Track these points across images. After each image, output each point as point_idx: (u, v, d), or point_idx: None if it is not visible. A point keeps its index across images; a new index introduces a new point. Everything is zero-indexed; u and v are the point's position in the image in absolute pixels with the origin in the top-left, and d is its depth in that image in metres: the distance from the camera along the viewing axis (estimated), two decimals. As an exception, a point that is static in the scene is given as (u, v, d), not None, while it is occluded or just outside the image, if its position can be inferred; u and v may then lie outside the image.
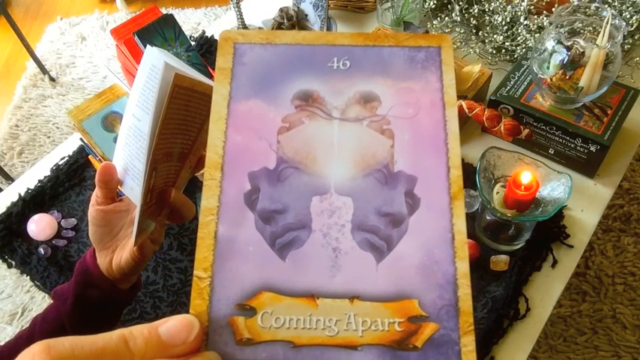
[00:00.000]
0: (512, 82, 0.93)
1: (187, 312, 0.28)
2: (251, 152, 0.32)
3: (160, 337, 0.25)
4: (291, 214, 0.31)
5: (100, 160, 0.79)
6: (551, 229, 0.83)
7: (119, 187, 0.54)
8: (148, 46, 0.50)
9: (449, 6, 1.14)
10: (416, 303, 0.29)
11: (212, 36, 1.17)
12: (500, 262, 0.80)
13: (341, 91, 0.33)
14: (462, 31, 1.12)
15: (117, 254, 0.56)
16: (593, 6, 0.86)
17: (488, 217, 0.81)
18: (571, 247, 0.82)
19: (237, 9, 1.12)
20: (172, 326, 0.26)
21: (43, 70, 2.18)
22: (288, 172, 0.31)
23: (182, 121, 0.47)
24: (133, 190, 0.52)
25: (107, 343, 0.24)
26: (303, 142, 0.32)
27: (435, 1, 1.10)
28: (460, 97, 0.93)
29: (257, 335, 0.28)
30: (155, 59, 0.48)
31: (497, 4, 1.06)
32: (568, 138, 0.87)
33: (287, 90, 0.33)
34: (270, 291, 0.29)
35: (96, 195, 0.55)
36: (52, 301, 0.61)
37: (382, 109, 0.33)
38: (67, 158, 0.98)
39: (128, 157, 0.52)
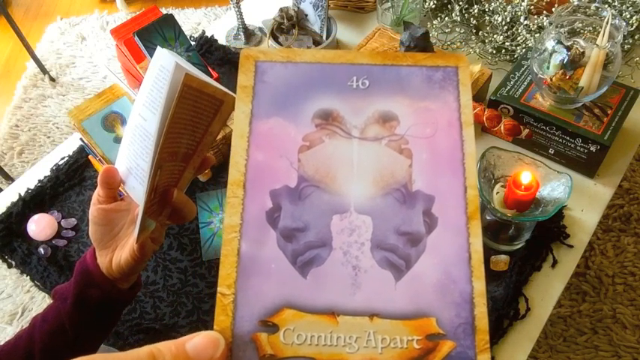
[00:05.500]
0: (512, 82, 0.93)
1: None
2: (272, 170, 0.32)
3: (187, 353, 0.26)
4: (312, 232, 0.31)
5: (100, 160, 0.79)
6: (551, 229, 0.83)
7: (121, 186, 0.55)
8: (159, 47, 0.50)
9: (449, 6, 1.14)
10: (434, 321, 0.29)
11: (212, 36, 1.17)
12: (500, 262, 0.80)
13: (360, 110, 0.34)
14: (462, 31, 1.12)
15: (117, 254, 0.56)
16: (593, 6, 0.86)
17: (488, 217, 0.81)
18: (571, 247, 0.82)
19: (237, 9, 1.12)
20: (199, 343, 0.27)
21: (43, 70, 2.17)
22: (309, 191, 0.32)
23: (189, 122, 0.47)
24: (135, 189, 0.53)
25: None
26: (323, 161, 0.33)
27: (435, 1, 1.10)
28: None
29: (279, 351, 0.29)
30: (165, 61, 0.48)
31: (497, 4, 1.06)
32: (568, 138, 0.87)
33: (307, 108, 0.34)
34: (291, 308, 0.30)
35: (97, 194, 0.55)
36: (52, 301, 0.61)
37: (401, 129, 0.34)
38: (67, 158, 0.97)
39: (132, 156, 0.52)
